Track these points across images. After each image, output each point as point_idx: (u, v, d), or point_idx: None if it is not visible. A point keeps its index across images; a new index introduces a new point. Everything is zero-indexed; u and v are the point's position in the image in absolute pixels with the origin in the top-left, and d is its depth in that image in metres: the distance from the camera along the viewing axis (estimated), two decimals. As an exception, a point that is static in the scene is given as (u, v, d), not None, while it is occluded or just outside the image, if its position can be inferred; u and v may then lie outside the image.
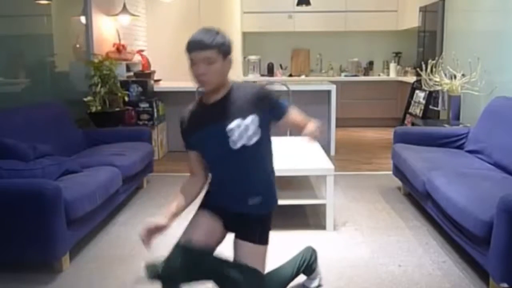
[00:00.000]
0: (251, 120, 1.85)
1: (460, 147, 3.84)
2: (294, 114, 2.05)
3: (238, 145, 1.85)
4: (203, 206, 2.08)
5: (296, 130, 2.08)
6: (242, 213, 1.98)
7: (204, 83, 1.86)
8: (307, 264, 2.39)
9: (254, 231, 1.99)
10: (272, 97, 1.97)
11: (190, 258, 1.93)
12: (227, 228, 2.04)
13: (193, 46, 1.81)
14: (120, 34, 5.86)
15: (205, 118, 1.91)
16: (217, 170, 1.99)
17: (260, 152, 1.93)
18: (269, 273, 2.17)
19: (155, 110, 5.35)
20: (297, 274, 2.37)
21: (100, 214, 3.11)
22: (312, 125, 2.03)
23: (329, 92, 5.53)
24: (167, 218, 1.93)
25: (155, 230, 1.93)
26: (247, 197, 1.94)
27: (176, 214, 1.95)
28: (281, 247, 2.92)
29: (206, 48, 1.79)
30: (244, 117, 1.85)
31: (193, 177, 2.07)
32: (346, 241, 3.00)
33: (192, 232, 2.00)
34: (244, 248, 1.98)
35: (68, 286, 2.49)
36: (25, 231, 2.49)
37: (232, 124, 1.84)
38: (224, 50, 1.83)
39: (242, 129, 1.85)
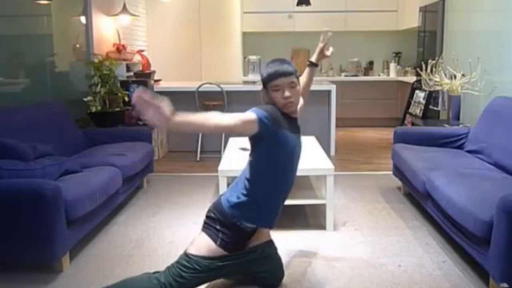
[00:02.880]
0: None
1: (460, 147, 3.84)
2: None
3: (300, 152, 2.32)
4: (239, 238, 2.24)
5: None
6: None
7: (291, 105, 2.18)
8: None
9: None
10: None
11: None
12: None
13: (279, 74, 2.15)
14: (120, 34, 5.86)
15: (292, 127, 2.23)
16: (286, 180, 2.26)
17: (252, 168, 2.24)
18: None
19: (155, 110, 5.34)
20: None
21: (100, 214, 3.11)
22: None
23: (329, 92, 5.53)
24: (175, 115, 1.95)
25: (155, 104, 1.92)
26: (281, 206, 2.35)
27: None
28: (281, 247, 2.92)
29: (290, 74, 2.17)
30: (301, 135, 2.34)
31: (216, 123, 2.04)
32: (346, 241, 3.00)
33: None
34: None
35: (68, 286, 2.49)
36: (25, 231, 2.49)
37: (300, 137, 2.31)
38: (298, 76, 2.21)
39: (301, 142, 2.33)
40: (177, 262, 2.15)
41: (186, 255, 2.16)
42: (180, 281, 2.09)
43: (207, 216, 2.26)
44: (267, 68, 2.19)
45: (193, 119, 2.04)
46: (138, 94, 1.88)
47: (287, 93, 2.15)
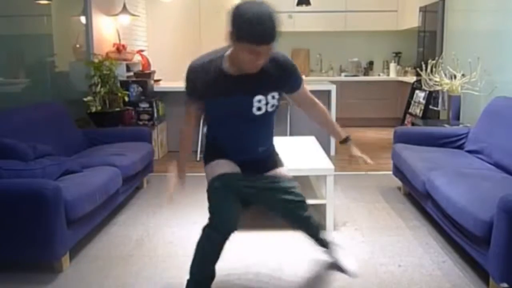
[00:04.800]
0: (272, 96, 2.06)
1: (460, 147, 3.84)
2: (305, 89, 2.24)
3: (258, 113, 2.06)
4: (212, 159, 2.22)
5: (304, 106, 2.29)
6: (253, 159, 2.22)
7: (259, 67, 1.92)
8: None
9: (267, 163, 2.27)
10: (296, 74, 2.14)
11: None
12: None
13: (264, 39, 1.78)
14: (120, 34, 5.86)
15: (232, 88, 2.00)
16: (233, 130, 2.13)
17: (272, 116, 2.16)
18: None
19: (155, 110, 5.35)
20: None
21: (100, 214, 3.11)
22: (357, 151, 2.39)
23: (329, 92, 5.53)
24: (182, 172, 2.27)
25: (178, 182, 2.26)
26: (257, 148, 2.21)
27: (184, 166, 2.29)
28: (281, 247, 2.93)
29: (274, 40, 1.81)
30: (268, 93, 2.04)
31: (190, 128, 2.25)
32: (346, 241, 3.00)
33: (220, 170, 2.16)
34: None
35: (68, 286, 2.49)
36: (25, 231, 2.49)
37: (258, 97, 2.03)
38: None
39: (264, 103, 2.05)
40: None
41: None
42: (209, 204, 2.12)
43: None
44: (251, 22, 1.73)
45: (185, 154, 2.36)
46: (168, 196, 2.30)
47: (260, 60, 1.85)
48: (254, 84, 2.01)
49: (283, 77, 2.06)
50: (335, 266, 2.60)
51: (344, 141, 2.38)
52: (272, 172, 2.26)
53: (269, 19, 1.76)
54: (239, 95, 2.02)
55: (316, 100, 2.29)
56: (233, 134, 2.15)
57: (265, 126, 2.19)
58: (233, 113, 2.07)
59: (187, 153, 2.34)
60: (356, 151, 2.38)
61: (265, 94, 2.04)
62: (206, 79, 2.00)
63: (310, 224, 2.47)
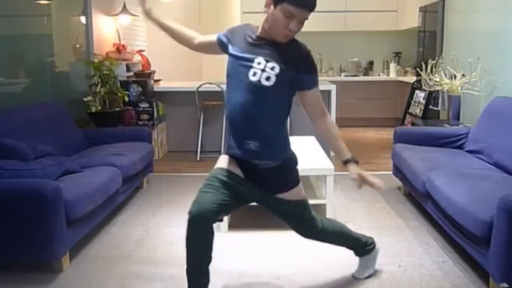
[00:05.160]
0: (272, 66, 1.93)
1: (460, 147, 3.84)
2: (318, 95, 2.06)
3: (253, 78, 1.93)
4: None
5: (311, 113, 2.08)
6: (249, 162, 2.06)
7: (287, 38, 1.94)
8: (362, 245, 2.47)
9: (268, 181, 2.09)
10: (311, 72, 2.01)
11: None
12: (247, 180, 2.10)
13: (305, 3, 1.86)
14: (120, 34, 5.86)
15: (248, 45, 2.00)
16: (232, 105, 2.02)
17: (269, 102, 1.97)
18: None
19: (155, 110, 5.35)
20: (348, 243, 2.46)
21: (100, 214, 3.11)
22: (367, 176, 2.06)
23: (329, 92, 5.53)
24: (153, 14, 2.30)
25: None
26: (245, 139, 2.02)
27: (159, 22, 2.39)
28: (281, 247, 2.93)
29: (312, 10, 1.89)
30: (270, 60, 1.94)
31: (193, 36, 2.26)
32: (346, 241, 2.99)
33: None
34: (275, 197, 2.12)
35: (68, 286, 2.49)
36: (25, 231, 2.49)
37: (258, 59, 1.94)
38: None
39: (260, 67, 1.93)
40: None
41: None
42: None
43: None
44: None
45: (170, 24, 2.36)
46: None
47: (293, 27, 1.89)
48: (266, 50, 1.96)
49: (296, 62, 1.97)
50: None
51: (346, 162, 2.12)
52: (280, 196, 2.10)
53: None
54: (248, 53, 1.98)
55: (327, 112, 2.10)
56: (232, 108, 2.02)
57: (262, 108, 1.97)
58: (236, 73, 2.00)
59: (170, 24, 2.38)
60: (354, 173, 2.07)
61: (267, 60, 1.93)
62: (243, 31, 2.07)
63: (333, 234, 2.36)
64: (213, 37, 2.16)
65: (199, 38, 2.22)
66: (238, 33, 2.07)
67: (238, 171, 2.09)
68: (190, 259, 2.07)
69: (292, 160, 2.16)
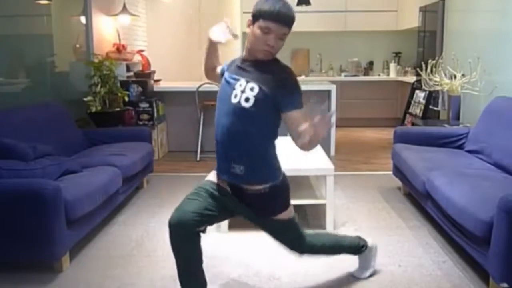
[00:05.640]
0: (251, 87, 1.93)
1: (460, 147, 3.84)
2: (297, 116, 1.92)
3: (234, 100, 1.94)
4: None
5: (291, 133, 1.95)
6: (236, 186, 2.05)
7: (267, 55, 1.95)
8: (354, 247, 2.44)
9: (257, 206, 2.08)
10: (293, 87, 1.95)
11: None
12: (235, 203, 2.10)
13: (279, 18, 1.88)
14: (120, 34, 5.86)
15: (235, 70, 2.03)
16: (218, 127, 2.03)
17: (253, 123, 1.95)
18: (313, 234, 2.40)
19: (155, 110, 5.35)
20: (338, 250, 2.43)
21: (100, 214, 3.11)
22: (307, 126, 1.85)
23: (329, 92, 5.53)
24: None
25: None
26: (230, 163, 2.01)
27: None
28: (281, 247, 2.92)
29: (289, 25, 1.91)
30: (249, 81, 1.94)
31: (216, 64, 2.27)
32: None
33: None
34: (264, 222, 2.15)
35: (68, 286, 2.49)
36: (25, 231, 2.49)
37: (240, 81, 1.97)
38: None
39: (241, 89, 1.94)
40: None
41: None
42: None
43: None
44: (269, 1, 1.88)
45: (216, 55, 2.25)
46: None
47: (272, 42, 1.90)
48: (249, 71, 1.97)
49: (277, 83, 1.92)
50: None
51: None
52: (267, 221, 2.13)
53: (287, 6, 1.91)
54: (234, 76, 2.01)
55: (304, 140, 1.86)
56: (219, 131, 2.03)
57: (246, 130, 1.95)
58: (222, 97, 2.03)
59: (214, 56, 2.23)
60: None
61: (247, 81, 1.94)
62: (237, 59, 2.11)
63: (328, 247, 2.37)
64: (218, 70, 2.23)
65: (218, 68, 2.25)
66: (235, 60, 2.11)
67: (227, 187, 2.09)
68: (179, 264, 2.08)
69: (283, 186, 2.11)
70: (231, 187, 2.08)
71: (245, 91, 1.93)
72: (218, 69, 2.22)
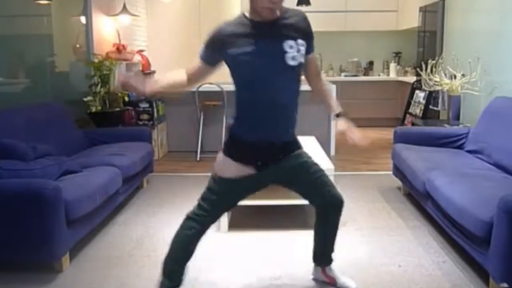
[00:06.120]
0: (302, 44, 1.96)
1: (460, 147, 3.84)
2: (315, 56, 2.15)
3: (293, 63, 1.93)
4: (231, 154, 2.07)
5: (310, 74, 2.16)
6: (283, 142, 2.08)
7: (271, 12, 1.91)
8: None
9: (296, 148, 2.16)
10: (311, 29, 2.05)
11: None
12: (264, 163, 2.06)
13: None
14: (120, 34, 5.86)
15: (258, 34, 1.93)
16: (264, 93, 1.96)
17: (296, 81, 2.02)
18: None
19: (155, 110, 5.35)
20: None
21: (100, 214, 3.11)
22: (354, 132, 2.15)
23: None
24: (149, 86, 2.03)
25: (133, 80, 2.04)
26: (289, 127, 2.06)
27: (157, 85, 2.06)
28: (281, 247, 2.93)
29: None
30: (297, 38, 1.95)
31: (187, 76, 2.07)
32: (346, 241, 2.99)
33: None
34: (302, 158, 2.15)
35: (68, 286, 2.49)
36: (25, 231, 2.49)
37: (289, 42, 1.92)
38: None
39: (296, 49, 1.94)
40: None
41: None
42: (205, 198, 2.10)
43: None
44: None
45: (170, 82, 2.10)
46: (120, 82, 2.06)
47: (275, 1, 1.86)
48: (281, 30, 1.94)
49: (305, 27, 2.01)
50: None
51: (338, 115, 2.22)
52: (295, 152, 2.15)
53: None
54: (267, 39, 1.92)
55: (320, 71, 2.23)
56: (264, 100, 1.96)
57: (296, 91, 2.02)
58: (263, 65, 1.92)
59: (169, 85, 2.08)
60: (342, 126, 2.16)
61: (295, 39, 1.93)
62: (232, 28, 1.96)
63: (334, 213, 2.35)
64: (197, 63, 2.05)
65: (187, 72, 2.08)
66: (226, 36, 1.95)
67: (246, 170, 2.05)
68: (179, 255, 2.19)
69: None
70: (258, 145, 2.03)
71: (300, 49, 1.95)
72: (195, 65, 2.05)
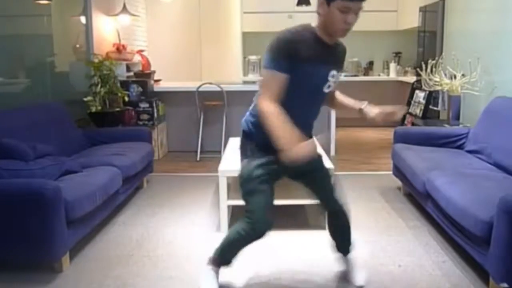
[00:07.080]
0: (339, 75, 2.14)
1: (460, 147, 3.84)
2: None
3: (326, 90, 2.11)
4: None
5: (331, 96, 2.32)
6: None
7: (345, 32, 2.01)
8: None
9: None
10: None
11: None
12: None
13: None
14: (120, 34, 5.86)
15: (323, 57, 2.03)
16: (300, 103, 2.07)
17: (323, 101, 2.23)
18: None
19: (155, 110, 5.35)
20: None
21: (100, 214, 3.11)
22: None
23: (329, 92, 5.52)
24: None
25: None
26: (312, 127, 2.24)
27: (294, 133, 1.96)
28: (281, 247, 2.93)
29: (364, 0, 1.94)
30: (338, 70, 2.13)
31: (275, 102, 1.97)
32: (346, 241, 2.99)
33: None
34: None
35: (68, 286, 2.49)
36: (25, 231, 2.49)
37: (333, 72, 2.08)
38: None
39: (334, 79, 2.11)
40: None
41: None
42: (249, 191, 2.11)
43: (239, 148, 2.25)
44: None
45: (286, 122, 1.97)
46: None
47: (351, 19, 1.93)
48: (333, 58, 2.09)
49: (343, 60, 2.20)
50: (344, 275, 2.51)
51: (361, 108, 2.24)
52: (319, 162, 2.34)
53: None
54: (325, 64, 2.04)
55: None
56: (297, 109, 2.04)
57: (320, 104, 2.21)
58: (310, 84, 2.04)
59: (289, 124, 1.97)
60: (375, 111, 2.17)
61: (338, 70, 2.11)
62: (307, 43, 1.98)
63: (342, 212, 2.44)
64: (282, 77, 1.97)
65: (273, 97, 1.98)
66: (302, 40, 1.97)
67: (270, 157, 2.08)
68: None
69: None
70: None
71: (336, 80, 2.13)
72: (281, 80, 1.97)
